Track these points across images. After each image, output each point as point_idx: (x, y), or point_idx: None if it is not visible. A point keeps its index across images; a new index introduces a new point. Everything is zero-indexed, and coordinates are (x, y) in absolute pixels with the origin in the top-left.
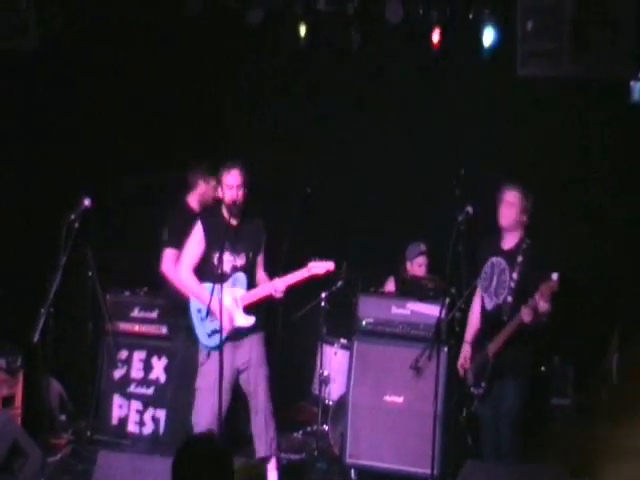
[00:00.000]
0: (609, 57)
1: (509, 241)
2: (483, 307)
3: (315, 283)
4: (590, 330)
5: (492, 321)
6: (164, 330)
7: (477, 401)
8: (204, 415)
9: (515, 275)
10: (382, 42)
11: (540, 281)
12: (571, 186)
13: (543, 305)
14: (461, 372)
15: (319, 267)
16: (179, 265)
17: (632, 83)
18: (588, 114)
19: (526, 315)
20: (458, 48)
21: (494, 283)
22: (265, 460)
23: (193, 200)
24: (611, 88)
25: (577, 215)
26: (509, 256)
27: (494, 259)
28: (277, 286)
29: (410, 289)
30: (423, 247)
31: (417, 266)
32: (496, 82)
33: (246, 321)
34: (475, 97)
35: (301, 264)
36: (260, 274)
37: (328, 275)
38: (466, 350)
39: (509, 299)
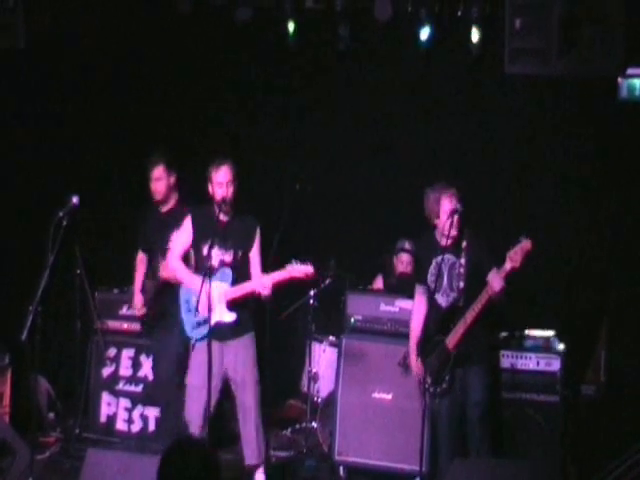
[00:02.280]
0: (597, 54)
1: (450, 233)
2: (437, 307)
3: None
4: (578, 326)
5: (449, 316)
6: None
7: (438, 399)
8: (194, 412)
9: (463, 260)
10: (371, 40)
11: (486, 252)
12: (559, 183)
13: (514, 266)
14: (420, 378)
15: (297, 270)
16: (168, 253)
17: (620, 80)
18: (576, 111)
19: (497, 283)
20: (447, 46)
21: (445, 280)
22: (254, 467)
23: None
24: (599, 85)
25: (565, 210)
26: (454, 248)
27: (438, 258)
28: (258, 285)
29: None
30: (407, 245)
31: (400, 263)
32: (484, 80)
33: (228, 317)
34: (463, 95)
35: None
36: (255, 272)
37: (308, 279)
38: (414, 359)
39: (461, 285)
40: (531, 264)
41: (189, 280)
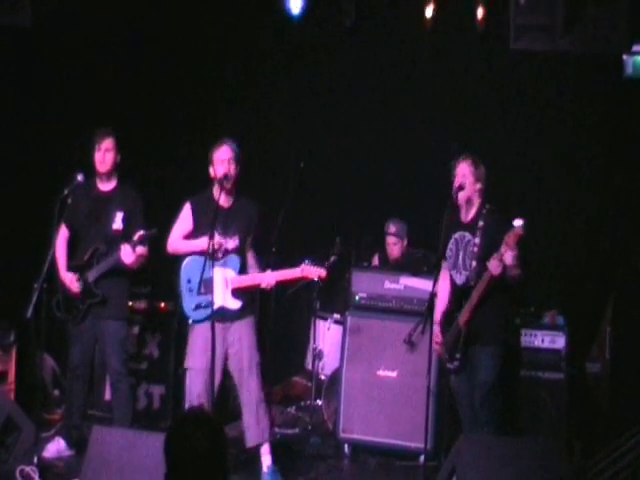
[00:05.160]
0: (602, 31)
1: (469, 212)
2: (453, 284)
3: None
4: (583, 303)
5: (463, 294)
6: (157, 305)
7: (453, 376)
8: (195, 396)
9: (477, 240)
10: (376, 17)
11: (503, 234)
12: (565, 160)
13: (510, 254)
14: (437, 351)
15: (311, 271)
16: (169, 239)
17: (625, 57)
18: (581, 88)
19: (494, 267)
20: (452, 23)
21: (460, 258)
22: (258, 446)
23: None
24: (604, 62)
25: (570, 188)
26: (470, 226)
27: (457, 235)
28: (268, 280)
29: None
30: (392, 227)
31: (387, 245)
32: (490, 56)
33: (233, 304)
34: (468, 71)
35: (294, 242)
36: (250, 259)
37: (319, 281)
38: (436, 330)
39: (473, 264)
40: (538, 245)
41: (195, 245)
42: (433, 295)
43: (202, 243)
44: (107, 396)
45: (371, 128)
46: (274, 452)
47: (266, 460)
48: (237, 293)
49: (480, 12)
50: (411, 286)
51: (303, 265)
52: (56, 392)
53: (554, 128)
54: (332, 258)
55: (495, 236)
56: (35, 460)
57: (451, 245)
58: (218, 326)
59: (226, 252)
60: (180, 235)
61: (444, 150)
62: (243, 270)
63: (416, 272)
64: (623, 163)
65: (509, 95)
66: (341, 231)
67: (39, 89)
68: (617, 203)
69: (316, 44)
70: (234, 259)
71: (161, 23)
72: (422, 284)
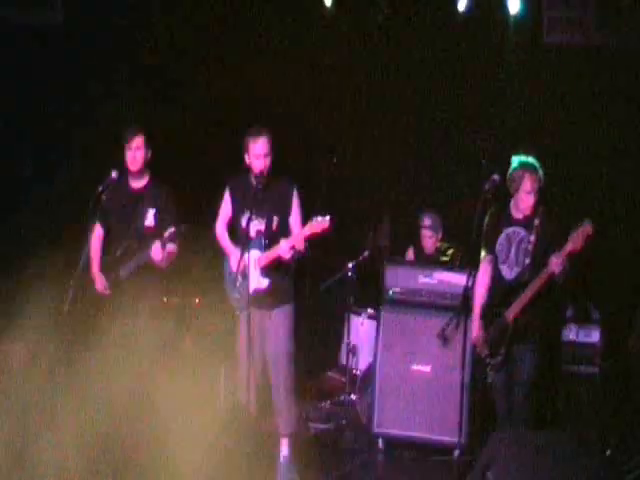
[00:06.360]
0: (635, 25)
1: (523, 209)
2: (501, 278)
3: (343, 254)
4: (618, 298)
5: (512, 289)
6: (191, 301)
7: (494, 371)
8: (239, 380)
9: (532, 238)
10: (409, 10)
11: (559, 234)
12: (598, 154)
13: (574, 248)
14: (478, 347)
15: (316, 227)
16: (217, 222)
17: None
18: (614, 81)
19: (556, 265)
20: (485, 16)
21: (512, 253)
22: (283, 436)
23: None
24: (637, 55)
25: (603, 183)
26: (526, 223)
27: (509, 230)
28: (283, 248)
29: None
30: (427, 221)
31: (422, 237)
32: (523, 50)
33: (263, 283)
34: (501, 64)
35: (328, 236)
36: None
37: (325, 232)
38: (477, 326)
39: (527, 261)
40: (593, 248)
41: (229, 250)
42: (467, 289)
43: (234, 255)
44: None
45: (403, 122)
46: (309, 446)
47: (283, 450)
48: (265, 271)
49: (514, 6)
50: (445, 280)
51: (308, 224)
52: None
53: (586, 122)
54: (365, 252)
55: (550, 236)
56: None
57: (502, 240)
58: (257, 313)
59: (259, 233)
60: (224, 221)
61: (476, 143)
62: (270, 248)
63: (450, 267)
64: None
65: (541, 88)
66: (374, 225)
67: (70, 84)
68: None
69: (349, 37)
70: (261, 240)
71: (189, 13)
72: (456, 278)
